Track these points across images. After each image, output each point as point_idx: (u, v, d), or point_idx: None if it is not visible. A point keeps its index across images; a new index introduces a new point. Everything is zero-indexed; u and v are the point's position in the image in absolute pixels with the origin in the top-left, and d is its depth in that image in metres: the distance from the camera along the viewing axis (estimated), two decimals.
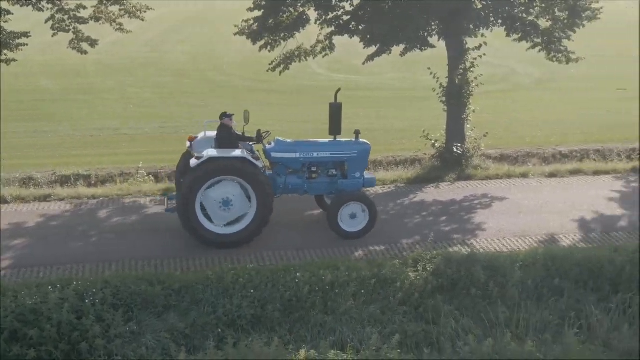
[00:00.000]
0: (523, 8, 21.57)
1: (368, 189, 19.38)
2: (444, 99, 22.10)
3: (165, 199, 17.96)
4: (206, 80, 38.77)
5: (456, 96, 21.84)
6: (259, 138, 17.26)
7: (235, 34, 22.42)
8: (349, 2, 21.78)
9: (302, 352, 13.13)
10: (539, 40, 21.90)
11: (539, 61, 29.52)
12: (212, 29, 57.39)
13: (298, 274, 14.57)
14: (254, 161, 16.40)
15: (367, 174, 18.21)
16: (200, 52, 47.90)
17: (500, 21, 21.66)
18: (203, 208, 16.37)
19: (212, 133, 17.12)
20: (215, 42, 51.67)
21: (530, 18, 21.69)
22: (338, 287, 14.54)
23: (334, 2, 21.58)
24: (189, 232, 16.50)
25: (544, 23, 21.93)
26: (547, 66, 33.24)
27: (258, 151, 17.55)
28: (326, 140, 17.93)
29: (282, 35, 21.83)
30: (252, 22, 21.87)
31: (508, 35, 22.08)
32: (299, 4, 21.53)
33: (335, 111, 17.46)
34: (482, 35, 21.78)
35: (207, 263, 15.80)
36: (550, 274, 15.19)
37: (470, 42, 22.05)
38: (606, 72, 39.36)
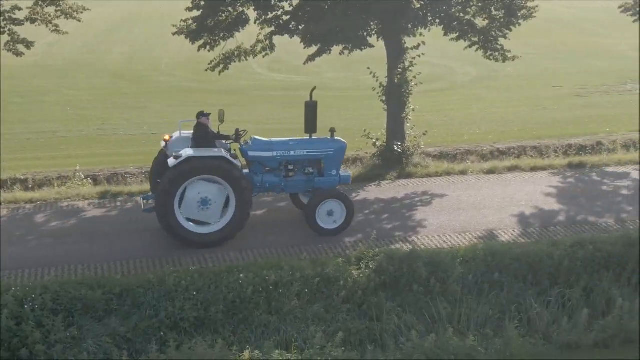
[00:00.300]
0: (460, 7, 21.85)
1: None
2: (384, 98, 22.26)
3: (141, 199, 17.86)
4: (144, 81, 38.31)
5: (396, 95, 22.02)
6: (237, 137, 17.30)
7: (173, 34, 22.22)
8: (289, 2, 21.79)
9: (246, 353, 13.13)
10: (476, 39, 22.21)
11: (476, 60, 30.01)
12: (150, 29, 56.73)
13: (241, 275, 14.52)
14: (232, 160, 16.47)
15: (342, 171, 18.47)
16: (138, 52, 47.31)
17: (438, 20, 21.90)
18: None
19: (187, 132, 17.12)
20: (153, 42, 51.10)
21: (467, 17, 21.98)
22: (282, 287, 14.55)
23: (273, 2, 21.56)
24: (168, 232, 16.48)
25: (480, 22, 22.25)
26: (484, 65, 33.79)
27: (234, 150, 17.58)
28: (302, 138, 18.00)
29: (221, 35, 21.71)
30: (190, 21, 21.70)
31: (446, 34, 22.34)
32: (238, 4, 21.44)
33: (311, 109, 17.69)
34: (421, 34, 22.02)
35: (149, 266, 15.63)
36: (490, 269, 15.44)
37: (409, 42, 22.27)
38: (541, 69, 40.12)
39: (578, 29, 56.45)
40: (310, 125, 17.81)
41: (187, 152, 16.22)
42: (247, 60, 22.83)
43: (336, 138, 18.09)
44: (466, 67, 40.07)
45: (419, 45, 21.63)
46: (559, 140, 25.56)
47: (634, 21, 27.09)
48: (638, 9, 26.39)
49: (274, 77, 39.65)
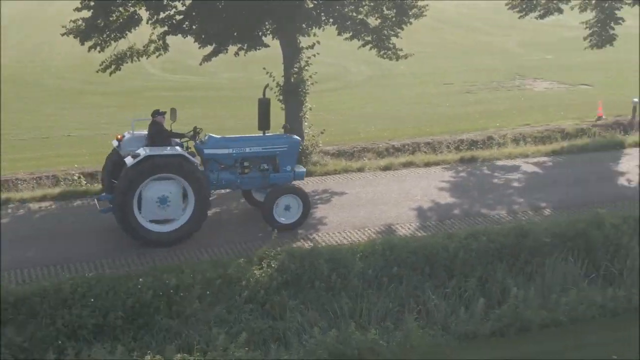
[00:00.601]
0: (353, 7, 22.11)
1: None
2: (281, 97, 22.31)
3: (96, 200, 17.64)
4: (35, 84, 37.07)
5: (293, 94, 22.10)
6: (195, 135, 17.50)
7: (62, 35, 21.59)
8: (181, 1, 21.53)
9: (148, 358, 12.92)
10: (369, 38, 22.53)
11: (370, 59, 30.44)
12: (37, 31, 54.97)
13: (140, 280, 14.29)
14: (190, 158, 16.48)
15: (296, 167, 18.70)
16: (27, 55, 45.75)
17: (331, 20, 22.11)
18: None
19: (140, 132, 17.08)
20: (42, 44, 49.53)
21: (360, 17, 22.27)
22: (183, 290, 14.41)
23: (165, 1, 21.26)
24: (127, 232, 16.34)
25: (373, 21, 22.58)
26: (377, 64, 34.38)
27: (189, 148, 17.56)
28: (257, 135, 18.35)
29: (112, 35, 21.26)
30: (80, 22, 21.14)
31: (339, 34, 22.56)
32: (130, 4, 21.04)
33: (264, 106, 17.95)
34: (315, 34, 22.18)
35: (44, 274, 15.16)
36: (389, 263, 15.69)
37: (304, 41, 22.38)
38: (433, 67, 41.00)
39: (467, 27, 58.00)
40: (264, 122, 18.08)
41: (145, 150, 16.14)
42: (139, 60, 22.45)
43: (289, 134, 18.39)
44: (360, 66, 40.57)
45: (313, 44, 21.77)
46: (451, 136, 26.19)
47: (519, 17, 28.08)
48: (524, 6, 27.34)
49: (168, 78, 39.11)
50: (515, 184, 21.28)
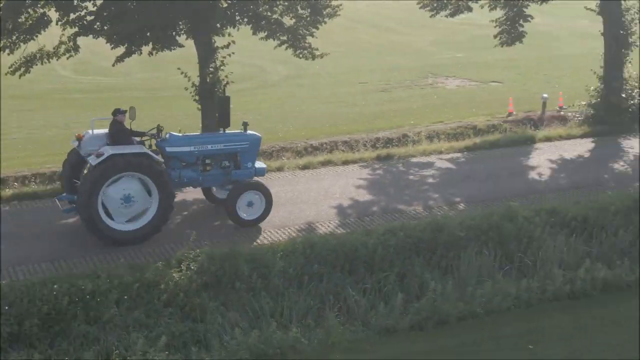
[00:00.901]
0: (267, 7, 22.12)
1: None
2: (197, 97, 22.12)
3: (57, 200, 17.38)
4: None
5: (209, 95, 21.94)
6: (158, 133, 17.62)
7: None
8: (92, 1, 21.11)
9: None
10: (284, 38, 22.59)
11: (286, 59, 30.50)
12: None
13: (55, 286, 13.96)
14: (154, 156, 16.60)
15: (257, 164, 18.87)
16: None
17: (246, 20, 22.07)
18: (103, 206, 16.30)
19: (100, 131, 17.01)
20: None
21: (275, 16, 22.30)
22: (99, 296, 14.15)
23: (75, 2, 20.79)
24: (91, 232, 16.19)
25: (288, 21, 22.64)
26: (293, 63, 34.46)
27: (151, 146, 17.49)
28: (218, 132, 18.53)
29: (22, 37, 20.67)
30: None
31: (255, 33, 22.55)
32: (39, 5, 20.49)
33: (224, 104, 18.10)
34: (229, 34, 22.10)
35: None
36: (309, 261, 15.74)
37: (219, 41, 22.26)
38: (348, 67, 41.33)
39: (380, 27, 58.70)
40: (223, 119, 18.10)
41: (109, 149, 16.07)
42: (49, 62, 21.94)
43: (250, 131, 18.53)
44: (276, 66, 40.60)
45: (229, 44, 21.69)
46: (368, 134, 26.46)
47: (430, 16, 28.61)
48: (435, 5, 27.86)
49: (80, 80, 38.31)
50: (430, 180, 21.66)
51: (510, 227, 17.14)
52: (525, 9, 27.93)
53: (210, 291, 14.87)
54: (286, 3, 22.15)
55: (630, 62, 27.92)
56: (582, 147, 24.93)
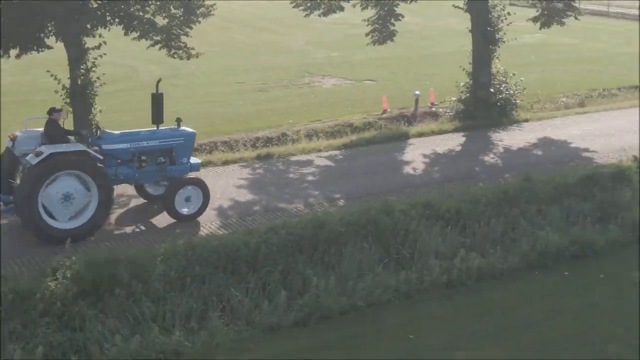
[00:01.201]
0: (139, 6, 21.75)
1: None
2: (68, 100, 21.51)
3: None
4: None
5: (81, 97, 21.39)
6: (96, 131, 17.72)
7: None
8: None
9: None
10: (158, 38, 22.29)
11: (160, 59, 30.04)
12: None
13: None
14: (92, 153, 16.75)
15: (192, 159, 19.16)
16: None
17: (117, 20, 21.64)
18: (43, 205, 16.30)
19: (33, 130, 16.81)
20: None
21: (147, 16, 21.96)
22: None
23: None
24: (32, 232, 15.97)
25: (161, 20, 22.35)
26: (168, 63, 33.99)
27: (89, 145, 17.27)
28: (153, 129, 18.71)
29: None
30: None
31: (127, 34, 22.14)
32: None
33: (157, 101, 18.32)
34: (100, 35, 21.61)
35: None
36: (191, 263, 15.56)
37: (90, 42, 21.71)
38: (224, 67, 41.10)
39: (255, 27, 58.67)
40: (157, 116, 18.39)
41: (47, 148, 15.83)
42: None
43: (184, 127, 18.89)
44: (150, 66, 39.91)
45: (100, 45, 21.21)
46: (247, 134, 26.46)
47: (304, 16, 28.88)
48: (308, 5, 28.13)
49: None
50: (310, 178, 21.87)
51: (388, 221, 17.51)
52: (395, 8, 28.61)
53: (89, 299, 14.46)
54: (158, 3, 21.86)
55: (497, 57, 29.11)
56: (453, 142, 25.78)
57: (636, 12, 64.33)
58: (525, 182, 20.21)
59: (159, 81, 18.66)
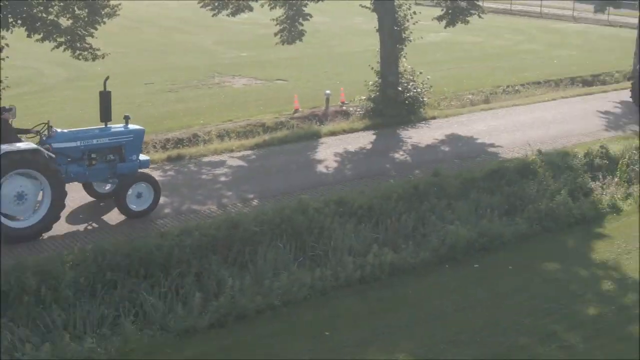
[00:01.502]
0: (42, 7, 21.24)
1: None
2: None
3: None
4: None
5: None
6: (48, 129, 17.58)
7: None
8: None
9: None
10: (62, 39, 21.83)
11: (65, 61, 29.34)
12: None
13: None
14: (45, 152, 16.67)
15: (141, 156, 19.12)
16: None
17: (19, 22, 21.08)
18: None
19: None
20: None
21: (51, 17, 21.47)
22: None
23: None
24: None
25: (65, 22, 21.88)
26: (73, 65, 33.21)
27: (36, 143, 16.92)
28: (102, 127, 18.54)
29: None
30: None
31: (29, 35, 21.59)
32: None
33: (105, 99, 18.27)
34: (2, 37, 21.04)
35: None
36: (102, 269, 15.30)
37: None
38: (131, 67, 40.44)
39: (162, 26, 57.95)
40: (105, 114, 18.35)
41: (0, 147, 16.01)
42: None
43: (133, 125, 18.87)
44: (55, 68, 38.94)
45: (2, 48, 20.62)
46: (157, 135, 26.12)
47: (212, 15, 28.72)
48: (216, 4, 27.97)
49: None
50: (223, 179, 21.77)
51: (302, 219, 17.62)
52: (304, 8, 28.76)
53: None
54: (62, 4, 21.37)
55: (404, 56, 29.61)
56: (364, 140, 26.11)
57: (538, 9, 66.69)
58: (435, 178, 20.67)
59: (106, 79, 18.60)
